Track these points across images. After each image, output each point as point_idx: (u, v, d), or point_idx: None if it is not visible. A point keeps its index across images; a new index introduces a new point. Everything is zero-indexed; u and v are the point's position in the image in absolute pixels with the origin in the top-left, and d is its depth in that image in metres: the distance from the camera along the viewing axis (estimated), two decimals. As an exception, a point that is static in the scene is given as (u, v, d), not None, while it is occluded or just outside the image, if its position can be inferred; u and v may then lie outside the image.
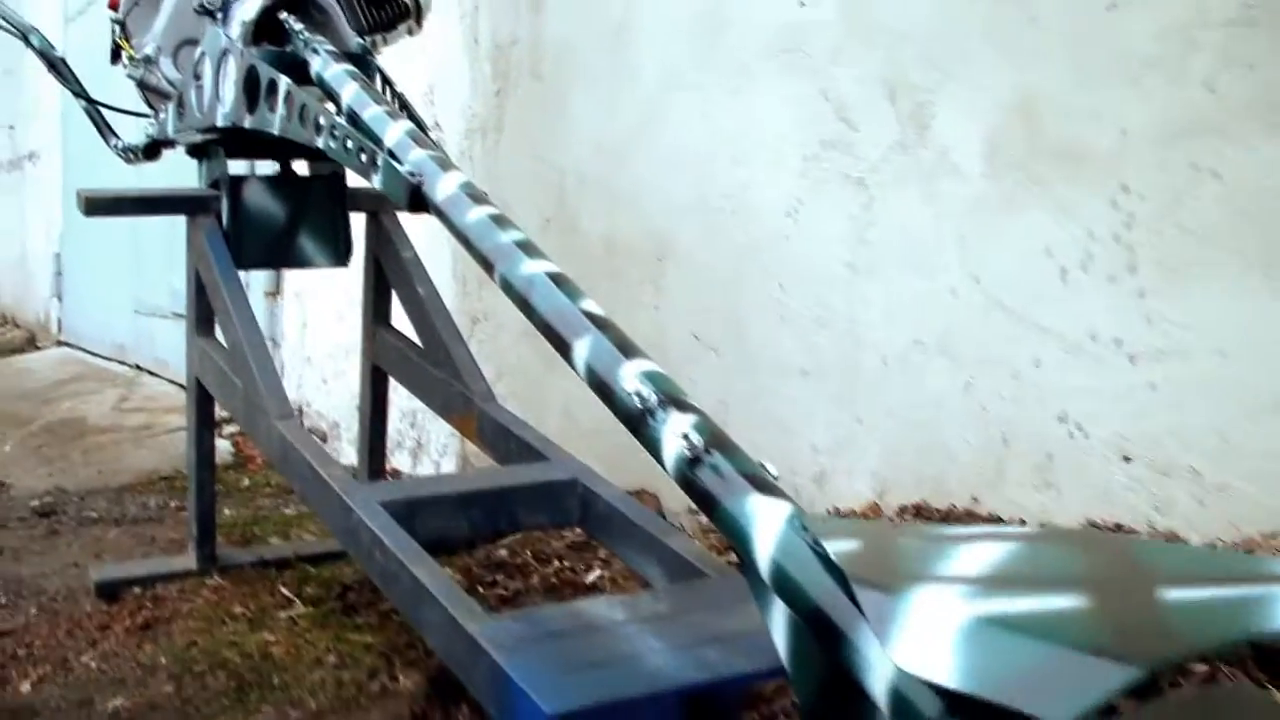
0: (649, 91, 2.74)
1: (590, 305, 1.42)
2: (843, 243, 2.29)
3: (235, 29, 2.23)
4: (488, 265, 1.53)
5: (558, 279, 1.46)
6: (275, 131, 2.08)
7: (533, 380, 3.09)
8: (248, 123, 2.16)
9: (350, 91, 1.94)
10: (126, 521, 3.60)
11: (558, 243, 2.99)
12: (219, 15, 2.33)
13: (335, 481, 1.86)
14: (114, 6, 2.63)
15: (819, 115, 2.32)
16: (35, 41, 2.83)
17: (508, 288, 1.49)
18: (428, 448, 3.53)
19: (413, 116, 2.11)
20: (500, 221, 1.56)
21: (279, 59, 2.17)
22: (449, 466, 3.51)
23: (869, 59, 2.22)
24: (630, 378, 1.30)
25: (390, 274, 2.52)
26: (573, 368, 1.40)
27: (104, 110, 2.81)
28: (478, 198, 1.61)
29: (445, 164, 1.70)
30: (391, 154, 1.77)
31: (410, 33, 2.73)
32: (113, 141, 2.75)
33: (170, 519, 3.59)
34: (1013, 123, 2.00)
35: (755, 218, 2.48)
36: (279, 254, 2.47)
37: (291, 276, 4.43)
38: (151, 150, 2.63)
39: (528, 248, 1.51)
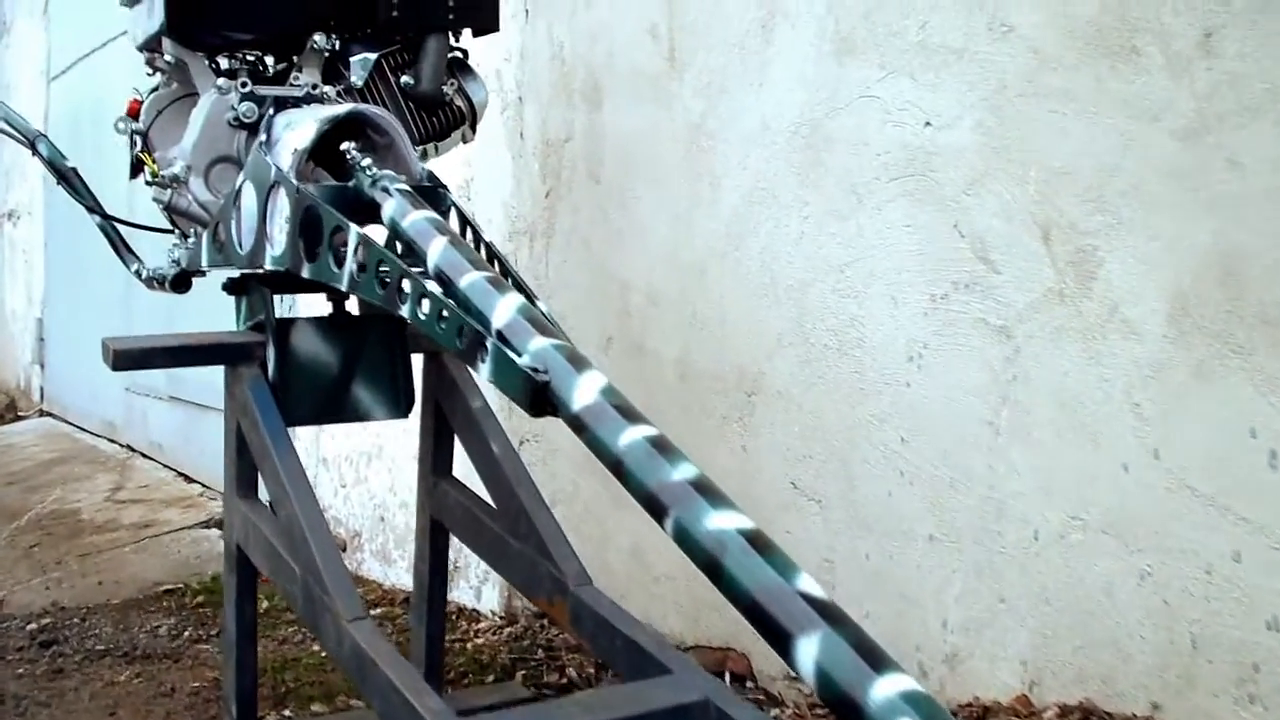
0: (733, 205, 2.46)
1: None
2: (981, 398, 2.01)
3: (285, 157, 1.94)
4: (654, 507, 1.24)
5: (756, 539, 1.17)
6: (343, 289, 1.78)
7: (595, 514, 2.80)
8: (306, 272, 1.86)
9: (437, 248, 1.65)
10: (138, 657, 3.28)
11: (622, 365, 2.71)
12: (263, 138, 2.04)
13: (431, 716, 1.56)
14: (133, 114, 2.34)
15: (951, 251, 2.05)
16: (43, 149, 2.54)
17: (687, 543, 1.20)
18: (466, 571, 3.23)
19: (505, 270, 1.82)
20: (664, 449, 1.28)
21: (342, 198, 1.89)
22: (491, 595, 3.21)
23: (1016, 193, 1.95)
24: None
25: (455, 423, 2.23)
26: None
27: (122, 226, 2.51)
28: (629, 412, 1.33)
29: (577, 359, 1.41)
30: (503, 338, 1.48)
31: (464, 140, 2.46)
32: (133, 265, 2.45)
33: (186, 656, 3.27)
34: (1205, 279, 1.72)
35: (869, 359, 2.20)
36: (332, 407, 2.17)
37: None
38: (180, 281, 2.33)
39: (708, 490, 1.23)
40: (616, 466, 1.29)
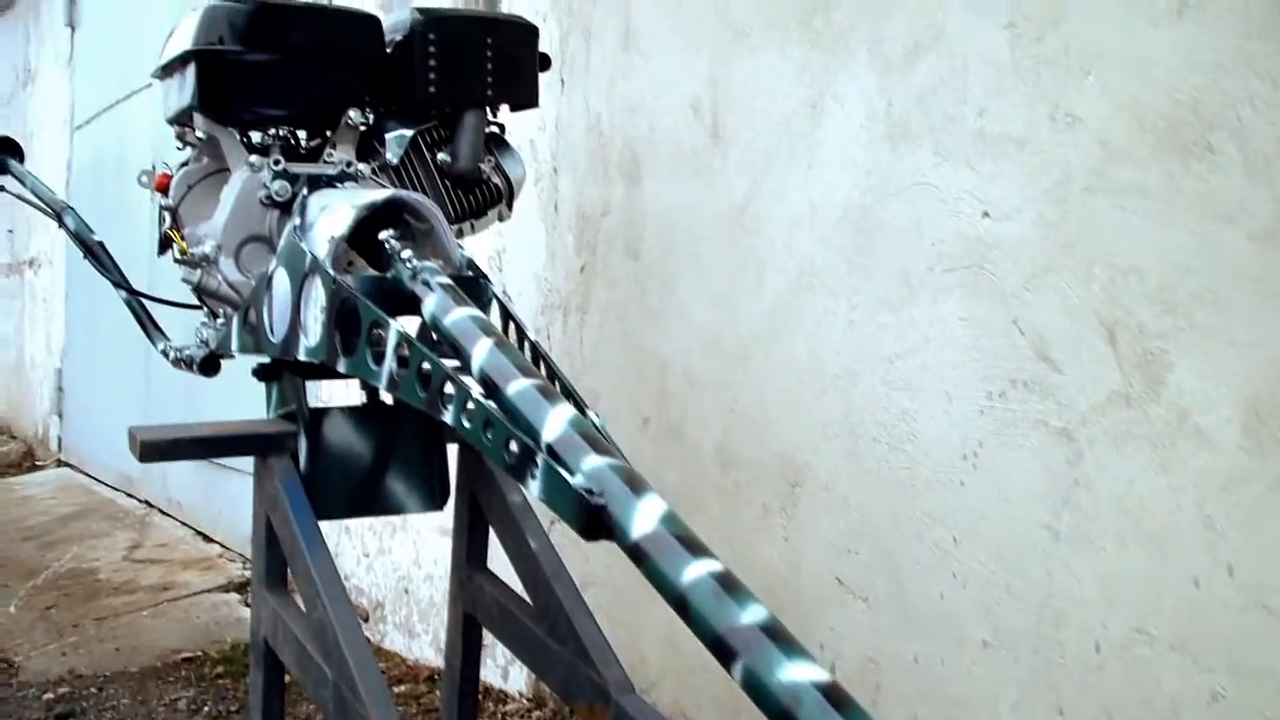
0: (778, 290, 2.39)
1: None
2: (1040, 501, 1.93)
3: (321, 244, 1.87)
4: (721, 651, 1.17)
5: (833, 693, 1.09)
6: (381, 387, 1.71)
7: (628, 599, 2.72)
8: (343, 367, 1.79)
9: (482, 350, 1.58)
10: (156, 735, 3.22)
11: (659, 448, 2.64)
12: (297, 221, 1.98)
13: None
14: (162, 189, 2.27)
15: (1009, 348, 1.97)
16: (70, 222, 2.48)
17: (758, 693, 1.12)
18: (493, 650, 3.15)
19: (552, 373, 1.75)
20: (732, 587, 1.20)
21: (379, 289, 1.82)
22: (518, 676, 3.13)
23: (1080, 290, 1.87)
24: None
25: (491, 515, 2.15)
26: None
27: (149, 303, 2.45)
28: (692, 544, 1.25)
29: (635, 481, 1.34)
30: (554, 454, 1.40)
31: (500, 218, 2.40)
32: (160, 344, 2.38)
33: (206, 736, 3.21)
34: (1285, 390, 1.65)
35: (920, 455, 2.12)
36: (364, 500, 2.10)
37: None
38: (209, 364, 2.26)
39: (781, 636, 1.15)
40: (680, 603, 1.21)
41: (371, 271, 1.95)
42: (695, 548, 1.24)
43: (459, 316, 1.66)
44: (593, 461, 1.37)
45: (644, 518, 1.29)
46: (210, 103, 2.11)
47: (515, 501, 2.09)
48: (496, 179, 2.36)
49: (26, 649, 3.96)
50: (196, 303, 2.27)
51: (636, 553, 1.28)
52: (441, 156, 2.28)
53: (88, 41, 7.01)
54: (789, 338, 2.37)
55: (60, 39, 7.35)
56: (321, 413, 2.06)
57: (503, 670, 3.18)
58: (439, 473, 2.12)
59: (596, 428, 1.49)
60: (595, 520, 1.33)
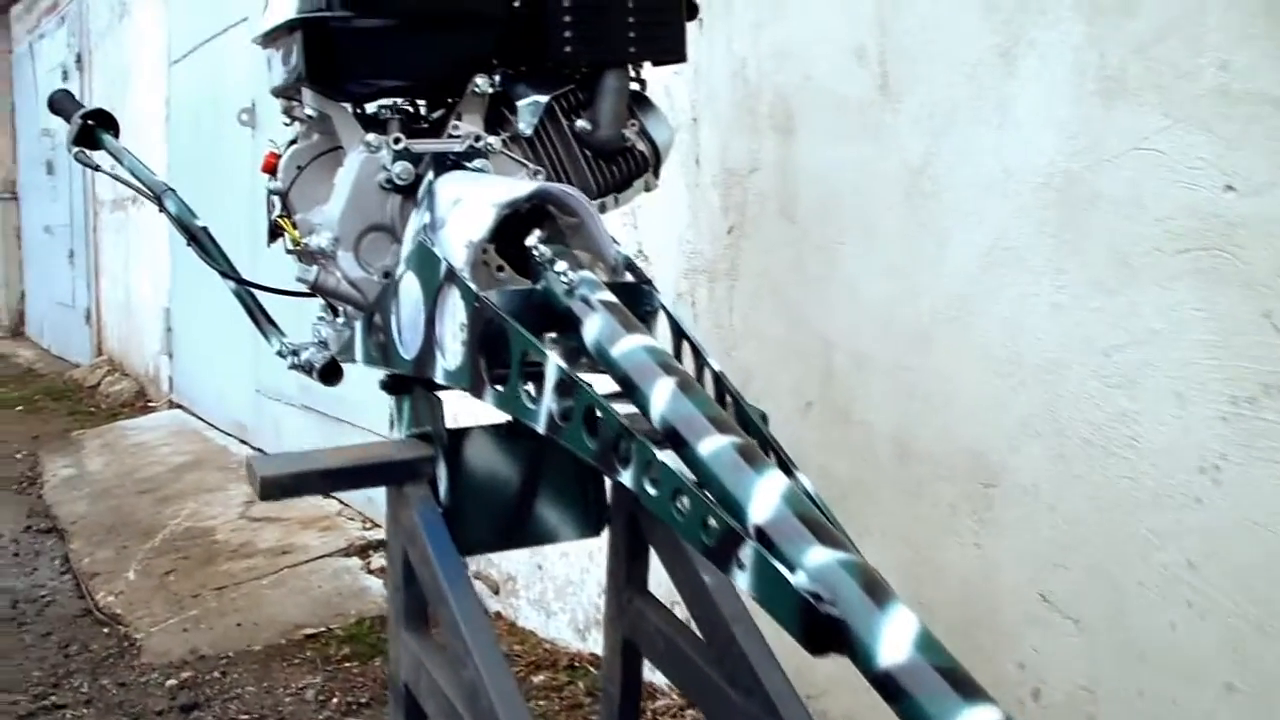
0: (964, 265, 2.10)
1: None
2: (1303, 528, 1.65)
3: (456, 249, 1.61)
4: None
5: None
6: (540, 430, 1.46)
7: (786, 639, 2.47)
8: (490, 399, 1.54)
9: (664, 394, 1.31)
10: (286, 731, 3.05)
11: (824, 435, 2.37)
12: (426, 218, 1.72)
13: None
14: (269, 170, 2.02)
15: (1260, 347, 1.67)
16: (171, 206, 2.24)
17: None
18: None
19: (746, 419, 1.48)
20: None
21: (528, 304, 1.56)
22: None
23: (1356, 284, 1.57)
24: None
25: (654, 540, 1.90)
26: None
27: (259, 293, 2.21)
28: (962, 682, 0.98)
29: (877, 587, 1.07)
30: (766, 540, 1.14)
31: (647, 188, 2.12)
32: (276, 342, 2.14)
33: (338, 728, 3.03)
34: None
35: (1145, 464, 1.84)
36: (512, 530, 1.85)
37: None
38: (331, 371, 2.02)
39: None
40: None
41: (514, 282, 1.69)
42: (968, 688, 0.98)
43: (631, 348, 1.40)
44: (819, 556, 1.10)
45: (894, 639, 1.02)
46: (320, 76, 1.86)
47: (682, 528, 1.83)
48: (641, 145, 2.09)
49: (148, 623, 3.82)
50: (308, 290, 2.02)
51: (887, 685, 1.01)
52: (580, 123, 2.00)
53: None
54: (979, 319, 2.08)
55: (156, -30, 7.15)
56: (461, 434, 1.81)
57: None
58: (594, 495, 1.87)
59: (811, 497, 1.23)
60: (826, 633, 1.07)
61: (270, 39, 1.94)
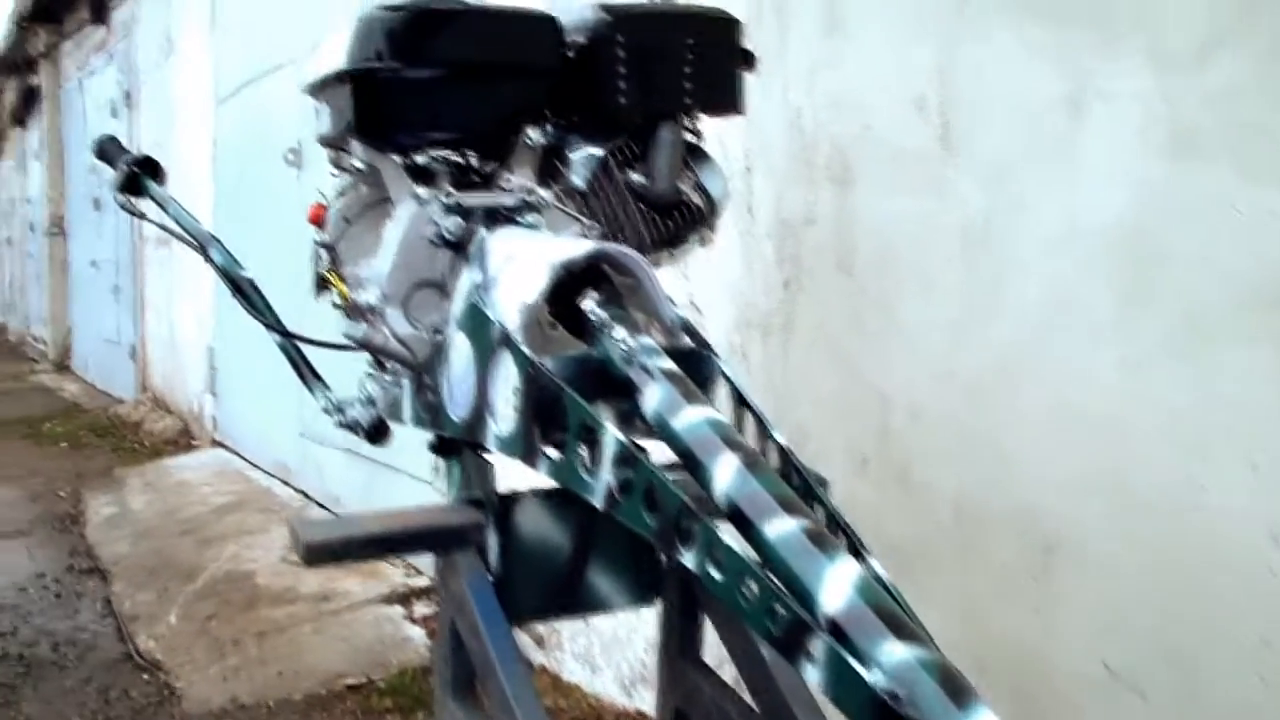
0: (1027, 319, 2.04)
1: None
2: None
3: (510, 311, 1.55)
4: None
5: None
6: (598, 504, 1.40)
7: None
8: (543, 469, 1.48)
9: (728, 471, 1.25)
10: (327, 790, 3.00)
11: (880, 494, 2.31)
12: (478, 277, 1.67)
13: None
14: (316, 222, 1.97)
15: (1345, 413, 1.60)
16: (216, 256, 2.20)
17: None
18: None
19: (813, 495, 1.42)
20: None
21: (584, 369, 1.51)
22: None
23: None
24: None
25: (709, 608, 1.84)
26: None
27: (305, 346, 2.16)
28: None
29: (957, 686, 1.00)
30: (839, 632, 1.08)
31: (702, 242, 2.07)
32: (321, 397, 2.09)
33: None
34: None
35: (1214, 531, 1.77)
36: (563, 599, 1.80)
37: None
38: (379, 431, 1.97)
39: None
40: None
41: (567, 341, 1.64)
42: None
43: (693, 420, 1.34)
44: (896, 652, 1.04)
45: (982, 750, 0.96)
46: (369, 128, 1.82)
47: (738, 595, 1.77)
48: (696, 198, 2.03)
49: (189, 670, 3.78)
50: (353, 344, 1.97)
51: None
52: (634, 176, 1.95)
53: (228, 13, 6.81)
54: (1041, 375, 2.02)
55: (201, 9, 7.16)
56: (512, 499, 1.76)
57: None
58: (648, 561, 1.82)
59: (885, 585, 1.17)
60: (902, 742, 1.01)
61: (319, 89, 1.90)
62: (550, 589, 1.77)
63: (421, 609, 4.05)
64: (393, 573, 4.48)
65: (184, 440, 7.70)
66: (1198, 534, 1.79)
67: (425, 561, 4.35)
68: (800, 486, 1.41)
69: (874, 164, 2.33)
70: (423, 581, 4.28)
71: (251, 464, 6.52)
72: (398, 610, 4.13)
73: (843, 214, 2.40)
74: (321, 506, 5.41)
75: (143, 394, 8.96)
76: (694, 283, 2.80)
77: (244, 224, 6.40)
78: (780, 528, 1.19)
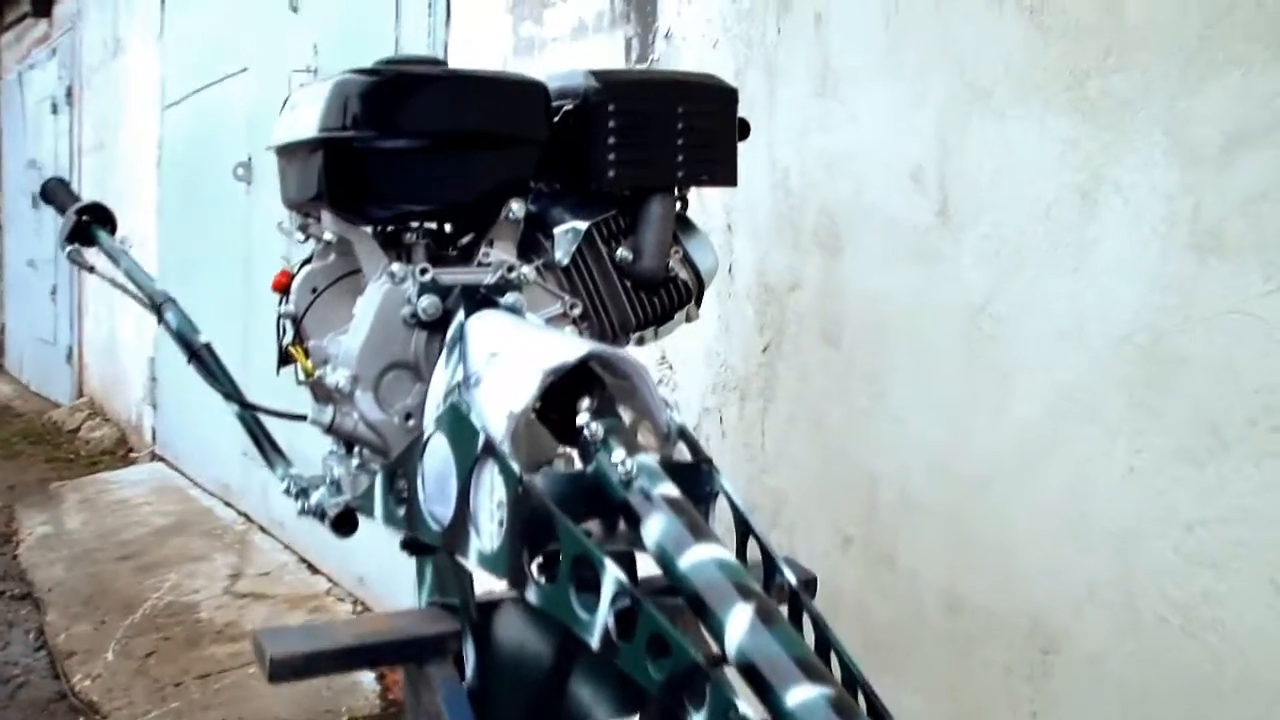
0: (1031, 414, 1.95)
1: None
2: None
3: (495, 420, 1.43)
4: None
5: None
6: (594, 646, 1.29)
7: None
8: (534, 597, 1.37)
9: (741, 624, 1.15)
10: None
11: (864, 576, 2.22)
12: (460, 375, 1.54)
13: None
14: (280, 289, 1.84)
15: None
16: (171, 318, 2.07)
17: None
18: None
19: (828, 641, 1.32)
20: None
21: (577, 488, 1.40)
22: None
23: None
24: None
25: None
26: None
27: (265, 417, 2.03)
28: None
29: None
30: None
31: (689, 319, 1.97)
32: (282, 473, 1.97)
33: None
34: None
35: (1232, 652, 1.69)
36: (543, 712, 1.68)
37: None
38: (345, 521, 1.84)
39: None
40: None
41: (549, 440, 1.54)
42: None
43: (701, 560, 1.23)
44: None
45: None
46: (341, 200, 1.70)
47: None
48: (684, 274, 1.94)
49: (126, 715, 3.64)
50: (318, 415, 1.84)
51: None
52: (621, 252, 1.85)
53: (178, 17, 6.63)
54: (1045, 474, 1.93)
55: (150, 12, 6.98)
56: (490, 606, 1.65)
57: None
58: (637, 675, 1.71)
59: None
60: None
61: (287, 153, 1.79)
62: (530, 702, 1.66)
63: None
64: (340, 608, 4.35)
65: (122, 450, 7.51)
66: (1212, 652, 1.71)
67: (372, 597, 4.22)
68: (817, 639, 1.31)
69: (866, 232, 2.23)
70: (372, 622, 4.15)
71: (192, 481, 6.35)
72: (346, 652, 4.00)
73: (830, 281, 2.30)
74: (265, 531, 5.27)
75: (80, 399, 8.74)
76: (668, 341, 2.69)
77: (189, 233, 6.24)
78: (801, 696, 1.10)
